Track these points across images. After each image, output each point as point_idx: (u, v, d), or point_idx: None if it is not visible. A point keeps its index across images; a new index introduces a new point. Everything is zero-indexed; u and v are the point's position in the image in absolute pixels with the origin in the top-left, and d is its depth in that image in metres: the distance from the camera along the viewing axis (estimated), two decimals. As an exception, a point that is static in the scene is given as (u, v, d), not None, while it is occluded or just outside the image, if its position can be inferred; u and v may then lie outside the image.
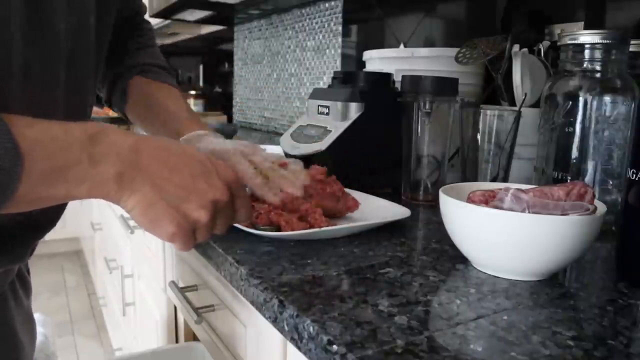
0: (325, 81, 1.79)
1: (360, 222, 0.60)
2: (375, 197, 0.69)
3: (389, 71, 0.91)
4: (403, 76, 0.82)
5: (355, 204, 0.64)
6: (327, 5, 1.75)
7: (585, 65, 0.62)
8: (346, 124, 0.80)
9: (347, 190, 0.65)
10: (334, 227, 0.56)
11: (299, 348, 0.39)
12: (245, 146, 0.59)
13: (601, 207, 0.47)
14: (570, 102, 0.62)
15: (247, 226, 0.55)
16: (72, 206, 3.20)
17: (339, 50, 1.70)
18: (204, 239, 0.47)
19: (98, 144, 0.40)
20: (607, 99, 0.60)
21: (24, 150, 0.37)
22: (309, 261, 0.50)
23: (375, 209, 0.66)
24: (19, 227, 0.53)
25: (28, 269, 0.68)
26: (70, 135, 0.40)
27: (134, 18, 0.75)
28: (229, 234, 0.56)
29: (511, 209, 0.46)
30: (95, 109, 0.77)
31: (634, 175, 0.46)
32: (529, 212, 0.45)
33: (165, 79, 0.73)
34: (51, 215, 0.58)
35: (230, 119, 2.54)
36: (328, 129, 0.81)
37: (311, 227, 0.56)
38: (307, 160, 0.80)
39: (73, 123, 0.41)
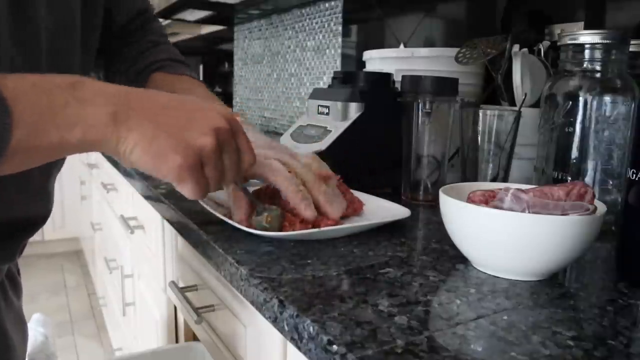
0: (325, 81, 1.79)
1: (360, 222, 0.60)
2: (375, 197, 0.69)
3: (389, 71, 0.91)
4: (403, 76, 0.82)
5: (360, 206, 0.64)
6: (327, 5, 1.75)
7: (585, 65, 0.62)
8: (346, 124, 0.80)
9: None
10: (333, 227, 0.56)
11: (299, 348, 0.39)
12: (282, 151, 0.58)
13: (601, 207, 0.47)
14: (570, 102, 0.62)
15: (247, 226, 0.55)
16: (72, 206, 3.18)
17: (339, 50, 1.70)
18: (215, 183, 0.45)
19: (81, 89, 0.39)
20: (607, 99, 0.60)
21: (9, 102, 0.35)
22: (309, 261, 0.50)
23: (375, 209, 0.66)
24: (7, 226, 0.53)
25: (18, 269, 0.68)
26: (50, 82, 0.38)
27: (137, 18, 0.74)
28: (228, 233, 0.56)
29: (511, 209, 0.46)
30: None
31: (634, 175, 0.46)
32: (529, 212, 0.45)
33: (183, 70, 0.72)
34: (39, 214, 0.57)
35: (230, 119, 2.54)
36: (328, 129, 0.81)
37: (317, 226, 0.56)
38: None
39: (48, 74, 0.40)
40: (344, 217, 0.63)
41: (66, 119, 0.38)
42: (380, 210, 0.65)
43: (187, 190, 0.43)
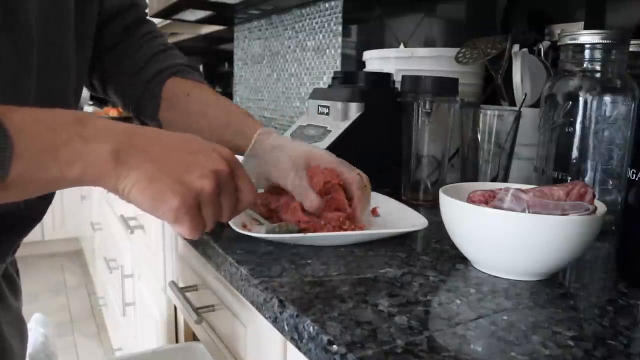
0: (325, 81, 1.79)
1: (373, 230, 0.59)
2: (394, 200, 0.68)
3: (389, 71, 0.91)
4: (403, 76, 0.82)
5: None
6: (327, 5, 1.75)
7: (585, 65, 0.62)
8: (346, 124, 0.80)
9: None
10: (351, 233, 0.55)
11: (299, 348, 0.39)
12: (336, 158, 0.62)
13: (601, 207, 0.47)
14: (570, 102, 0.62)
15: (240, 226, 0.55)
16: (72, 206, 3.18)
17: (339, 50, 1.70)
18: (212, 223, 0.45)
19: (87, 125, 0.39)
20: (607, 99, 0.60)
21: (12, 133, 0.36)
22: (309, 261, 0.50)
23: (390, 216, 0.64)
24: None
25: (17, 269, 0.67)
26: (58, 118, 0.39)
27: (128, 12, 0.70)
28: (228, 233, 0.56)
29: (511, 209, 0.46)
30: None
31: (634, 175, 0.46)
32: (529, 212, 0.45)
33: (199, 78, 0.71)
34: (33, 213, 0.57)
35: (230, 119, 2.54)
36: (328, 129, 0.81)
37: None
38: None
39: (58, 109, 0.40)
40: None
41: (67, 155, 0.38)
42: (396, 217, 0.64)
43: (183, 230, 0.43)
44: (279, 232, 0.55)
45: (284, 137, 0.65)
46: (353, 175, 0.60)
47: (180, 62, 0.71)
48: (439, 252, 0.54)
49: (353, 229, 0.58)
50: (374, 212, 0.65)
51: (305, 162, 0.60)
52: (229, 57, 2.60)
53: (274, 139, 0.63)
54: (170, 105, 0.68)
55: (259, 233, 0.55)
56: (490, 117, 0.70)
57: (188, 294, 0.74)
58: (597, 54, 0.61)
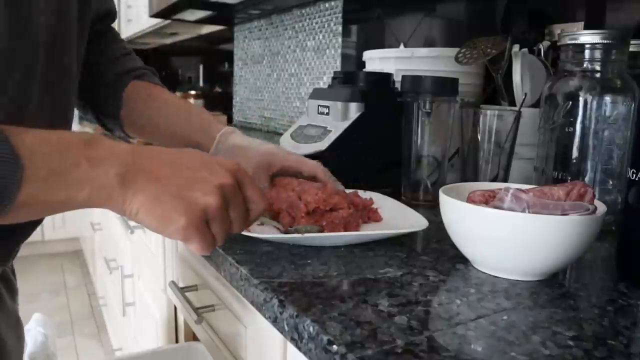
0: (325, 81, 1.79)
1: (377, 231, 0.59)
2: (395, 200, 0.68)
3: (389, 71, 0.91)
4: (403, 76, 0.82)
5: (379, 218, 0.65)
6: (327, 5, 1.75)
7: (585, 65, 0.62)
8: (346, 124, 0.80)
9: (370, 193, 0.68)
10: (351, 233, 0.56)
11: (299, 348, 0.39)
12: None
13: (601, 207, 0.47)
14: (570, 102, 0.62)
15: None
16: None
17: (339, 50, 1.70)
18: (223, 237, 0.45)
19: (95, 148, 0.40)
20: (607, 99, 0.60)
21: (23, 157, 0.37)
22: (309, 261, 0.50)
23: (390, 216, 0.64)
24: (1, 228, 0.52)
25: (13, 270, 0.67)
26: (66, 141, 0.40)
27: (106, 18, 0.72)
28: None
29: (511, 209, 0.46)
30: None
31: (634, 175, 0.46)
32: (529, 212, 0.45)
33: (158, 81, 0.73)
34: (32, 221, 0.57)
35: (230, 119, 2.54)
36: (328, 129, 0.81)
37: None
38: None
39: (65, 131, 0.41)
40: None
41: (76, 179, 0.39)
42: (395, 217, 0.64)
43: (194, 247, 0.44)
44: (300, 233, 0.54)
45: (247, 137, 0.66)
46: (316, 167, 0.65)
47: (142, 66, 0.73)
48: (439, 252, 0.54)
49: (358, 225, 0.59)
50: (378, 216, 0.65)
51: (267, 163, 0.63)
52: (229, 57, 2.60)
53: (236, 139, 0.65)
54: (132, 107, 0.70)
55: (259, 233, 0.55)
56: (490, 117, 0.70)
57: (188, 294, 0.74)
58: (597, 54, 0.61)
